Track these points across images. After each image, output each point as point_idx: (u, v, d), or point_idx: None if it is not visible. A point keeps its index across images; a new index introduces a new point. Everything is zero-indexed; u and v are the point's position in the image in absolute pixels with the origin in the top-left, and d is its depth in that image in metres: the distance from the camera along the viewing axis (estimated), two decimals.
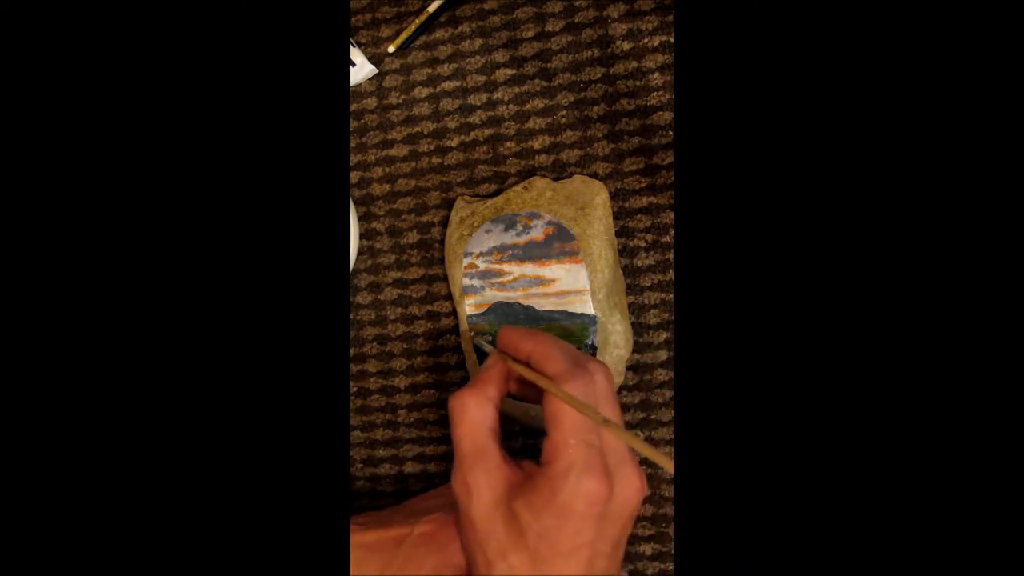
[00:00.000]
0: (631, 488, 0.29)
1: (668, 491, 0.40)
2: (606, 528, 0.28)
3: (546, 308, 0.38)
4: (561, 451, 0.28)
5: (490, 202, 0.41)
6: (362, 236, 0.45)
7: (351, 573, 0.35)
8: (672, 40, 0.39)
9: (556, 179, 0.41)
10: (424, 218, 0.43)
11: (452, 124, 0.43)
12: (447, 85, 0.43)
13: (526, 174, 0.42)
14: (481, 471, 0.30)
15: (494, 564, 0.29)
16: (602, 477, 0.28)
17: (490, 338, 0.40)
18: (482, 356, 0.41)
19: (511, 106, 0.42)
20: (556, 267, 0.38)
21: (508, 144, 0.42)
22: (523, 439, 0.42)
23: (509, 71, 0.42)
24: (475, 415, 0.31)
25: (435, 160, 0.43)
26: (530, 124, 0.41)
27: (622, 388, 0.40)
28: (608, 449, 0.29)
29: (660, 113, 0.39)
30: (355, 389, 0.45)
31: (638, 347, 0.40)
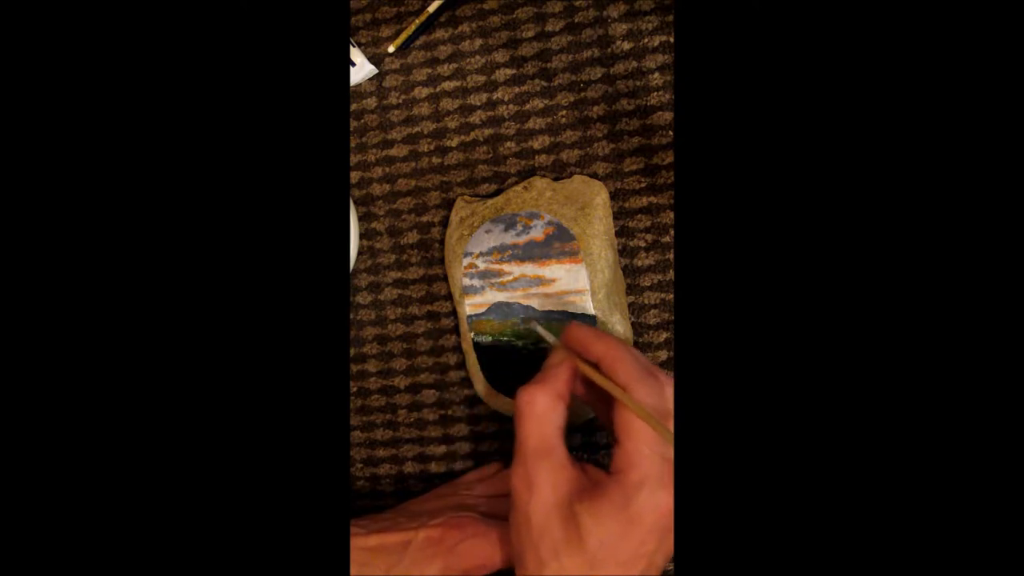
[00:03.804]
0: None
1: None
2: (667, 541, 0.28)
3: (546, 308, 0.38)
4: (635, 461, 0.28)
5: (490, 202, 0.41)
6: (362, 236, 0.45)
7: (355, 575, 0.35)
8: (672, 40, 0.39)
9: (556, 179, 0.41)
10: (424, 218, 0.43)
11: (452, 124, 0.43)
12: (447, 85, 0.43)
13: (526, 174, 0.42)
14: (546, 469, 0.29)
15: (546, 564, 0.28)
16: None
17: (543, 322, 0.38)
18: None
19: (511, 106, 0.42)
20: (556, 267, 0.38)
21: (508, 144, 0.42)
22: None
23: (509, 71, 0.42)
24: (544, 411, 0.30)
25: (435, 160, 0.43)
26: (530, 124, 0.41)
27: None
28: None
29: (660, 113, 0.39)
30: (355, 389, 0.45)
31: (638, 347, 0.40)
